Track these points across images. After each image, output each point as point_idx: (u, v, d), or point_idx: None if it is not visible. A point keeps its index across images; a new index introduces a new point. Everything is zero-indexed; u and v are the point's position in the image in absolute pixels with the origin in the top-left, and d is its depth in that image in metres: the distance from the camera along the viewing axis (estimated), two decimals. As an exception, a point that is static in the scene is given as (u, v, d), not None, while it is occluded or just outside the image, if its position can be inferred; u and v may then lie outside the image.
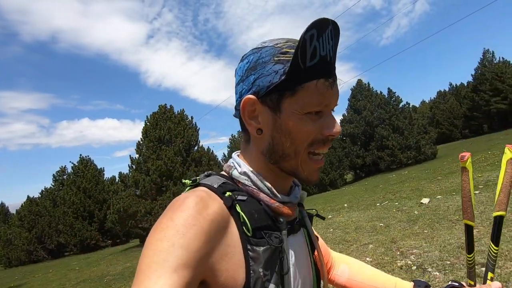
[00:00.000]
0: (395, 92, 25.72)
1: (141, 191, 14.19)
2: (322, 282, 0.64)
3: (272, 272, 0.48)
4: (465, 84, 43.24)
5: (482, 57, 37.90)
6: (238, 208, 0.49)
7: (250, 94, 0.51)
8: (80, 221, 23.10)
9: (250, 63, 0.52)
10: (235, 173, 0.55)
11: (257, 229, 0.48)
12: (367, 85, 27.74)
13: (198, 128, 18.19)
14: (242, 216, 0.48)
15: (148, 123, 16.18)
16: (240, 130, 0.60)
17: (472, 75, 38.32)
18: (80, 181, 25.31)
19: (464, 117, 40.02)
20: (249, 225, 0.48)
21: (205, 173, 0.58)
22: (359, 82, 28.23)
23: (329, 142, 0.53)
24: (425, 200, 6.67)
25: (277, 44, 0.51)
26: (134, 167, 15.49)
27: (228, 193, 0.50)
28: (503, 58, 37.48)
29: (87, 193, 24.45)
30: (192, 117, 18.41)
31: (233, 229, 0.48)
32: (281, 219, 0.53)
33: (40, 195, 28.63)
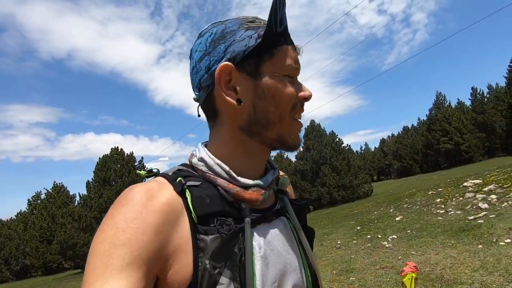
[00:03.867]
0: (337, 135, 28.71)
1: (82, 225, 16.72)
2: (318, 280, 0.55)
3: (226, 263, 0.42)
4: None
5: (435, 99, 41.38)
6: (187, 194, 0.45)
7: (224, 61, 0.48)
8: (45, 244, 25.23)
9: (215, 34, 0.50)
10: (194, 160, 0.52)
11: (208, 216, 0.44)
12: (318, 125, 30.79)
13: (146, 168, 20.95)
14: (189, 201, 0.44)
15: (98, 164, 18.96)
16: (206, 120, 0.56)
17: (426, 115, 41.67)
18: (51, 206, 27.67)
19: (422, 153, 42.92)
20: (193, 211, 0.43)
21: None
22: (312, 123, 31.31)
23: (302, 107, 0.53)
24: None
25: (240, 17, 0.52)
26: (82, 203, 18.10)
27: (179, 179, 0.46)
28: (458, 99, 41.00)
29: (54, 219, 26.75)
30: (142, 158, 21.25)
31: (185, 217, 0.44)
32: (243, 205, 0.47)
33: (15, 217, 30.82)
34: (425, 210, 8.41)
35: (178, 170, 0.50)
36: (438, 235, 5.83)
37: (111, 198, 17.35)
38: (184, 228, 0.43)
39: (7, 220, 30.63)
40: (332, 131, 29.03)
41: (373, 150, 68.44)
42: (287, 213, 0.56)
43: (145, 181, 0.50)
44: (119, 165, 19.06)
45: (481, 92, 38.18)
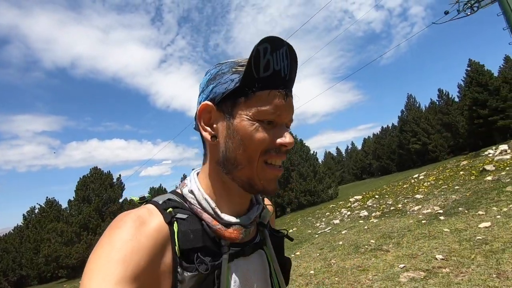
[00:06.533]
0: (304, 143, 30.95)
1: (64, 239, 19.10)
2: None
3: None
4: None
5: (407, 100, 43.50)
6: (174, 226, 0.48)
7: (207, 100, 0.54)
8: (38, 256, 27.66)
9: (211, 75, 0.55)
10: (184, 190, 0.55)
11: (190, 251, 0.48)
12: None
13: (123, 185, 23.29)
14: (176, 234, 0.47)
15: (78, 184, 21.33)
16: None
17: (398, 116, 43.81)
18: (43, 220, 30.09)
19: (397, 152, 45.10)
20: (177, 245, 0.47)
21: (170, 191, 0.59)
22: (284, 131, 33.54)
23: (283, 153, 0.53)
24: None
25: (238, 59, 0.55)
26: (64, 219, 20.47)
27: (169, 210, 0.50)
28: (431, 99, 43.03)
29: (49, 232, 29.19)
30: (120, 175, 23.58)
31: (170, 247, 0.47)
32: (223, 243, 0.52)
33: (12, 232, 33.24)
34: (314, 222, 10.65)
35: (169, 199, 0.53)
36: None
37: (90, 215, 19.72)
38: (168, 257, 0.47)
39: (4, 234, 33.07)
40: (301, 139, 31.24)
41: (360, 148, 70.61)
42: (265, 246, 0.60)
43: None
44: (97, 184, 21.39)
45: (446, 93, 40.34)
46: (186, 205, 0.54)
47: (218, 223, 0.52)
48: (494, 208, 5.21)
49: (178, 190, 0.58)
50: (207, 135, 0.54)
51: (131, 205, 22.84)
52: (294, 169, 29.90)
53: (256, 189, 0.53)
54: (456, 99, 39.15)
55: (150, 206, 0.51)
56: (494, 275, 3.02)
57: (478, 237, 4.20)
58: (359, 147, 68.63)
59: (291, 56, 0.52)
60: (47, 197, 32.75)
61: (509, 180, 6.24)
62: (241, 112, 0.51)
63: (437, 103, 41.53)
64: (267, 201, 0.68)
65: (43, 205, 31.82)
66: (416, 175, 11.41)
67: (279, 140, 0.52)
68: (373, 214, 8.11)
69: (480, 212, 5.25)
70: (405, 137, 41.32)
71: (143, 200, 0.57)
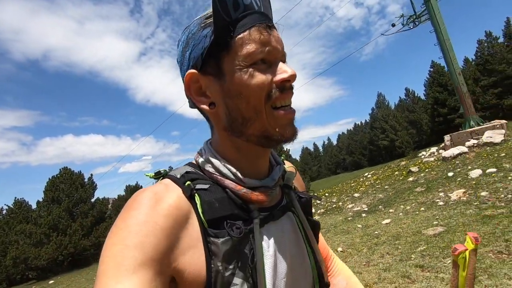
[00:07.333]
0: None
1: (33, 241, 18.97)
2: (322, 271, 0.57)
3: (237, 265, 0.44)
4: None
5: (377, 98, 45.60)
6: (196, 198, 0.46)
7: (190, 69, 0.49)
8: (7, 258, 26.98)
9: (183, 42, 0.50)
10: (200, 160, 0.53)
11: (218, 220, 0.45)
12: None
13: (95, 184, 23.21)
14: (199, 206, 0.45)
15: (47, 185, 21.10)
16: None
17: (369, 114, 45.92)
18: (12, 222, 29.25)
19: (368, 148, 47.32)
20: (202, 216, 0.45)
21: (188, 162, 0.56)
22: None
23: (288, 90, 0.49)
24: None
25: (204, 13, 0.50)
26: (32, 221, 20.27)
27: (188, 183, 0.47)
28: (400, 97, 45.34)
29: (17, 233, 28.41)
30: (91, 175, 23.48)
31: (195, 220, 0.45)
32: (251, 207, 0.49)
33: (-21, 234, 32.08)
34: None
35: (186, 172, 0.50)
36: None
37: (60, 216, 19.63)
38: (194, 230, 0.44)
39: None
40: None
41: (335, 144, 72.96)
42: (293, 208, 0.57)
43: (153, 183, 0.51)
44: (67, 185, 21.26)
45: (412, 92, 42.72)
46: (206, 175, 0.52)
47: (242, 187, 0.49)
48: (402, 206, 6.21)
49: (193, 161, 0.56)
50: (205, 106, 0.50)
51: (103, 204, 22.89)
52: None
53: (275, 139, 0.50)
54: (423, 97, 41.65)
55: (167, 181, 0.49)
56: (364, 263, 3.89)
57: (376, 232, 5.12)
58: (335, 142, 70.91)
59: None
60: (15, 197, 31.80)
61: (422, 181, 7.30)
62: (229, 64, 0.47)
63: (405, 101, 43.89)
64: (288, 163, 0.65)
65: (11, 206, 30.90)
66: (366, 174, 12.51)
67: (279, 77, 0.48)
68: (318, 212, 9.03)
69: (391, 210, 6.23)
70: (375, 133, 43.48)
71: (159, 176, 0.53)
